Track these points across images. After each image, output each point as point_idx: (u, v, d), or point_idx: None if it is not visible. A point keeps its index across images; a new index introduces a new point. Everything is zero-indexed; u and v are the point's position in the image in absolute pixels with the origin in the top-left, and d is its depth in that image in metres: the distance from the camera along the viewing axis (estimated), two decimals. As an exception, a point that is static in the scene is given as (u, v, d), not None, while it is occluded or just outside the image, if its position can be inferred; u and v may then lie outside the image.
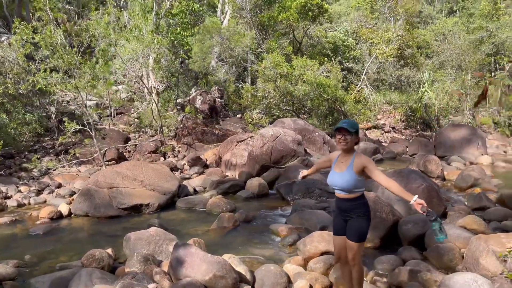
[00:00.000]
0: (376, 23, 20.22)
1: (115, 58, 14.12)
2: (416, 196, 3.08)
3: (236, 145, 11.49)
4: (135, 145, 13.45)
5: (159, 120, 14.19)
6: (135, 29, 15.67)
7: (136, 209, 7.63)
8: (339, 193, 3.43)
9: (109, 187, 7.75)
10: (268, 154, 10.10)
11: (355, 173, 3.28)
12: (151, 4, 15.08)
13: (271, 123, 14.64)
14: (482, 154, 13.53)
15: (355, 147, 3.44)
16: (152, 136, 14.98)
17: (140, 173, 8.24)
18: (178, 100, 17.70)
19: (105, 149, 11.97)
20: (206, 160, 12.49)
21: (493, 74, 21.52)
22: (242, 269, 4.50)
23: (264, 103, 14.80)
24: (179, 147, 14.66)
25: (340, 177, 3.35)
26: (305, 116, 15.26)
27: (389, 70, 20.15)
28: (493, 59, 21.75)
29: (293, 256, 5.26)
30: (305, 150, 11.17)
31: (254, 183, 9.03)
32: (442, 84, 18.27)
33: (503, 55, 21.15)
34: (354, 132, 3.32)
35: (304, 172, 4.05)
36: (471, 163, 12.56)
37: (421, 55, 21.95)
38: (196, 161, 12.00)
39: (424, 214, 3.03)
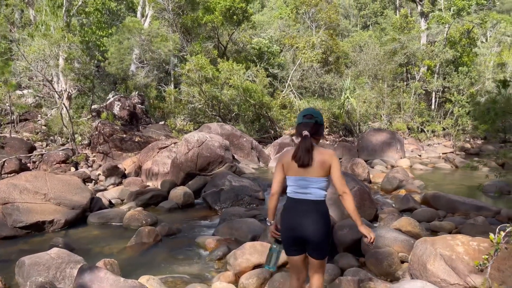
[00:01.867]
0: (299, 31, 20.51)
1: (11, 55, 12.47)
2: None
3: (158, 152, 10.63)
4: (42, 154, 11.94)
5: (71, 127, 12.79)
6: (42, 25, 14.15)
7: (38, 228, 6.51)
8: None
9: (2, 203, 6.52)
10: (194, 160, 9.42)
11: None
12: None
13: (196, 129, 13.95)
14: (401, 157, 14.10)
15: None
16: (63, 144, 13.53)
17: (44, 185, 7.10)
18: (93, 106, 16.28)
19: (3, 160, 10.41)
20: (125, 170, 11.44)
21: (405, 83, 22.90)
22: (163, 293, 3.81)
23: (188, 107, 14.03)
24: (94, 156, 13.41)
25: None
26: (231, 122, 14.81)
27: (312, 77, 20.52)
28: (405, 69, 23.17)
29: (223, 272, 4.68)
30: (233, 156, 10.66)
31: (178, 193, 8.29)
32: (362, 91, 18.98)
33: (413, 65, 22.63)
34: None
35: None
36: (392, 166, 13.00)
37: (341, 65, 22.76)
38: (113, 171, 10.89)
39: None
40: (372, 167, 12.47)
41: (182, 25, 16.04)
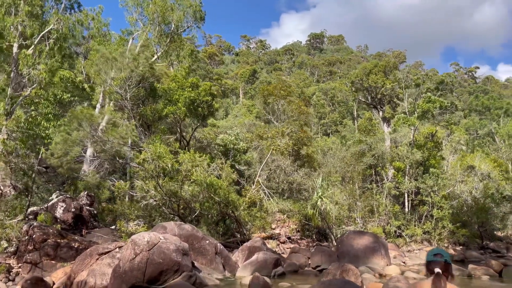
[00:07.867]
0: (267, 128, 19.84)
1: None
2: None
3: (97, 259, 8.38)
4: None
5: (-6, 230, 10.43)
6: (-22, 113, 12.47)
7: None
8: None
9: None
10: (141, 268, 7.27)
11: None
12: (1, 85, 12.26)
13: (150, 231, 11.71)
14: (387, 264, 12.38)
15: None
16: (-16, 253, 11.01)
17: None
18: (32, 208, 13.94)
19: None
20: (53, 284, 8.98)
21: (375, 184, 22.07)
22: None
23: (142, 204, 11.95)
24: (20, 266, 10.94)
25: None
26: (192, 224, 12.74)
27: (280, 177, 19.28)
28: (374, 171, 22.56)
29: None
30: (193, 263, 8.53)
31: (116, 314, 6.01)
32: (334, 190, 17.79)
33: (381, 166, 22.12)
34: None
35: None
36: (380, 275, 11.21)
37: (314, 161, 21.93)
38: (36, 285, 8.42)
39: None
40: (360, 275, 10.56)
41: (141, 116, 14.76)
